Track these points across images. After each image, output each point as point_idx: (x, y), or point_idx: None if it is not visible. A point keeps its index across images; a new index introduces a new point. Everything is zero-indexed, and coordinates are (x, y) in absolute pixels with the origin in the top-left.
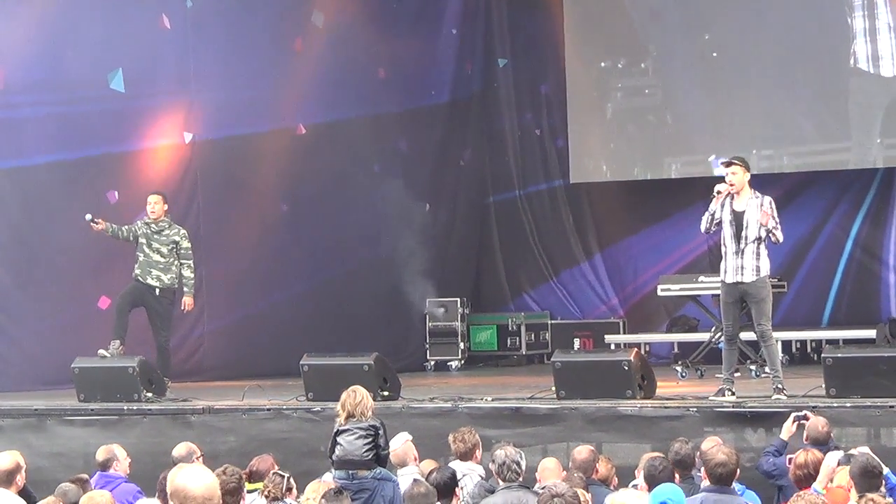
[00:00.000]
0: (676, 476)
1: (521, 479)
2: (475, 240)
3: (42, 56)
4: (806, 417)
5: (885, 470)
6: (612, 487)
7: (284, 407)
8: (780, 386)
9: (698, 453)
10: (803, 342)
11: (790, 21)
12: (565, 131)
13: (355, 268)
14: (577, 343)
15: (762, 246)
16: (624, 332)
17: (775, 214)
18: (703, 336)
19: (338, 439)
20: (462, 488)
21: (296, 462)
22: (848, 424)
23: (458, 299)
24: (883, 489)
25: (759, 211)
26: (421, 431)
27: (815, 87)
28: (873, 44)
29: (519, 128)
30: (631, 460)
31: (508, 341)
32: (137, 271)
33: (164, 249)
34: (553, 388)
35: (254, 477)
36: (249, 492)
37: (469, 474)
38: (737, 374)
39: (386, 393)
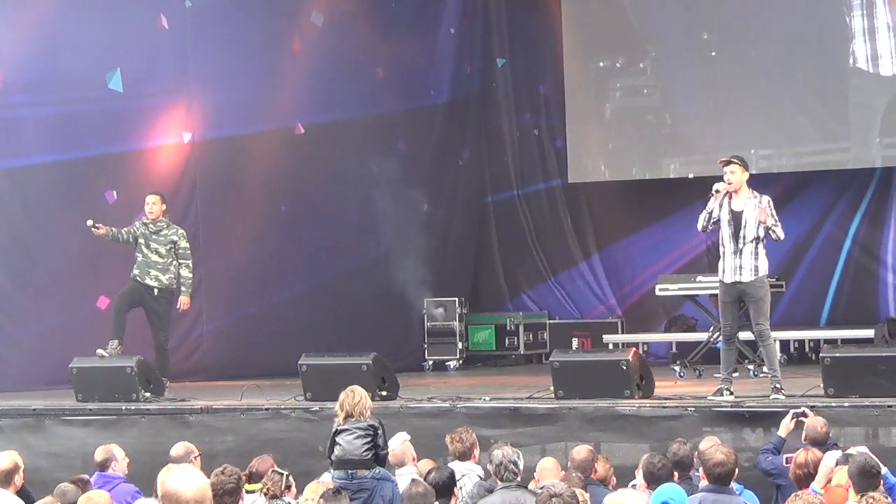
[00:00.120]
0: (675, 476)
1: (518, 478)
2: (473, 239)
3: (41, 56)
4: (805, 415)
5: (884, 470)
6: (610, 487)
7: (283, 407)
8: (778, 386)
9: (696, 453)
10: (801, 342)
11: (789, 21)
12: (564, 131)
13: (353, 267)
14: (575, 343)
15: (760, 245)
16: (622, 332)
17: (774, 213)
18: (701, 336)
19: (336, 439)
20: (461, 488)
21: (294, 462)
22: (846, 424)
23: (457, 299)
24: (881, 489)
25: (758, 209)
26: (419, 431)
27: (815, 86)
28: (872, 43)
29: (517, 127)
30: (629, 460)
31: (507, 341)
32: (136, 271)
33: (163, 249)
34: (551, 388)
35: (254, 478)
36: (250, 492)
37: (468, 474)
38: (735, 374)
39: (384, 393)
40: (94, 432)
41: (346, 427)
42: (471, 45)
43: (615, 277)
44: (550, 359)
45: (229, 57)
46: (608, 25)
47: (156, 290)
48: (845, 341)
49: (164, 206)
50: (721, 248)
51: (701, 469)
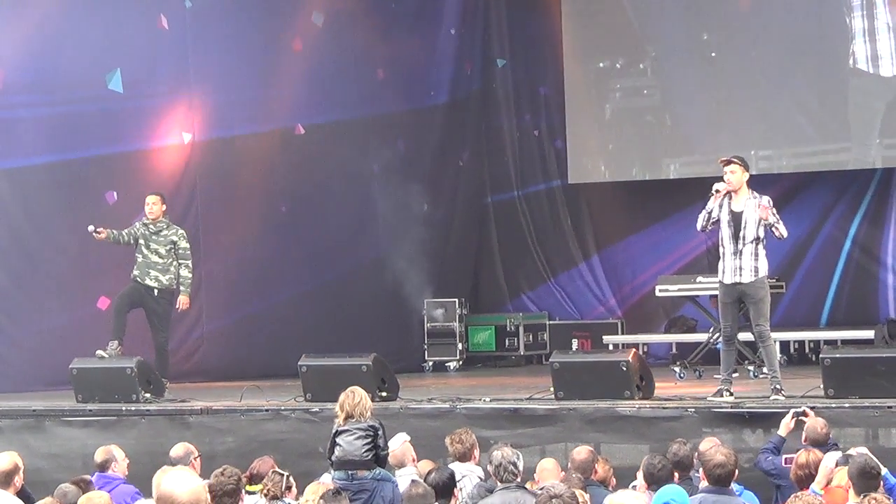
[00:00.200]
0: (675, 476)
1: (518, 479)
2: (474, 240)
3: (41, 57)
4: (805, 414)
5: (884, 470)
6: (610, 488)
7: (283, 408)
8: (778, 386)
9: (696, 454)
10: (801, 343)
11: (789, 21)
12: (564, 132)
13: (353, 268)
14: (575, 344)
15: (760, 246)
16: (622, 333)
17: (774, 211)
18: (701, 337)
19: (337, 440)
20: (461, 489)
21: (294, 463)
22: (846, 425)
23: (457, 300)
24: (881, 490)
25: (758, 209)
26: (419, 432)
27: (815, 87)
28: (872, 44)
29: (517, 128)
30: (629, 461)
31: (507, 342)
32: (136, 272)
33: (163, 250)
34: (551, 389)
35: (254, 479)
36: (250, 493)
37: (468, 475)
38: (735, 375)
39: (384, 393)
40: (94, 433)
41: (346, 428)
42: (471, 46)
43: (615, 278)
44: (550, 360)
45: (229, 57)
46: (608, 26)
47: (156, 291)
48: (845, 342)
49: (164, 207)
50: (721, 249)
51: (701, 470)
